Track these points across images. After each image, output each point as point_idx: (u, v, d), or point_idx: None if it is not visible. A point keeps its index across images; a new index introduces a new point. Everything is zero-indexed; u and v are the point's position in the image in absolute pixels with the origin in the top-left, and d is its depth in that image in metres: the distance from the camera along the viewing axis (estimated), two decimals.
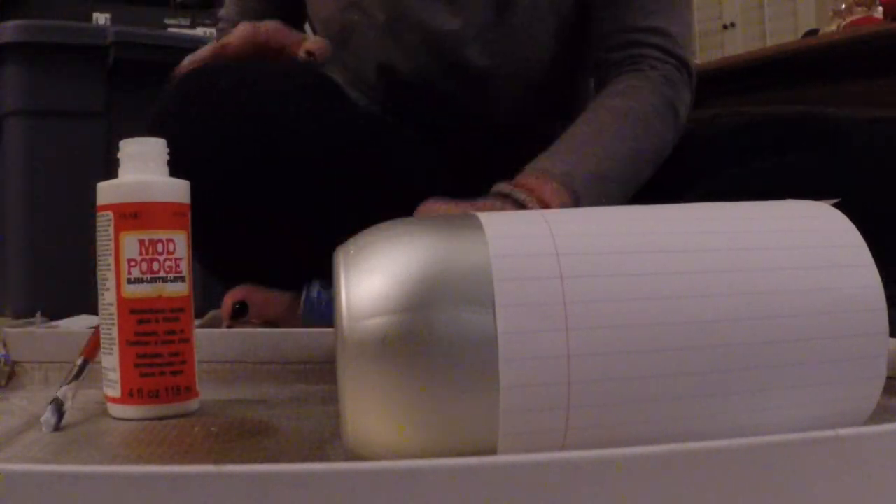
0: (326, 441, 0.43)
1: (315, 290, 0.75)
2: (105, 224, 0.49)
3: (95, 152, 1.31)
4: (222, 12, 1.01)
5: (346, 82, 0.90)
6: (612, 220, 0.36)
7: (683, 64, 0.83)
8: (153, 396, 0.48)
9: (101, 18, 1.69)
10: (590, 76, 0.93)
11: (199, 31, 1.77)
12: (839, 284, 0.35)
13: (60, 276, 1.27)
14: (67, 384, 0.48)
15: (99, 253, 0.50)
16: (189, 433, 0.45)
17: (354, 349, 0.33)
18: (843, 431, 0.27)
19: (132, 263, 0.48)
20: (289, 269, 0.78)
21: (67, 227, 1.26)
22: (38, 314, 0.79)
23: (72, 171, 1.31)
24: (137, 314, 0.48)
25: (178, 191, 0.50)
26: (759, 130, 0.83)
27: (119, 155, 0.50)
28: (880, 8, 1.93)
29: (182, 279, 0.50)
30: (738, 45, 3.32)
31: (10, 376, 0.60)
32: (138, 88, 1.35)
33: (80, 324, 0.91)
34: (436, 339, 0.32)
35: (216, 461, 0.39)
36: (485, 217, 0.36)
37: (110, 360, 0.49)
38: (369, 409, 0.33)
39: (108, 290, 0.49)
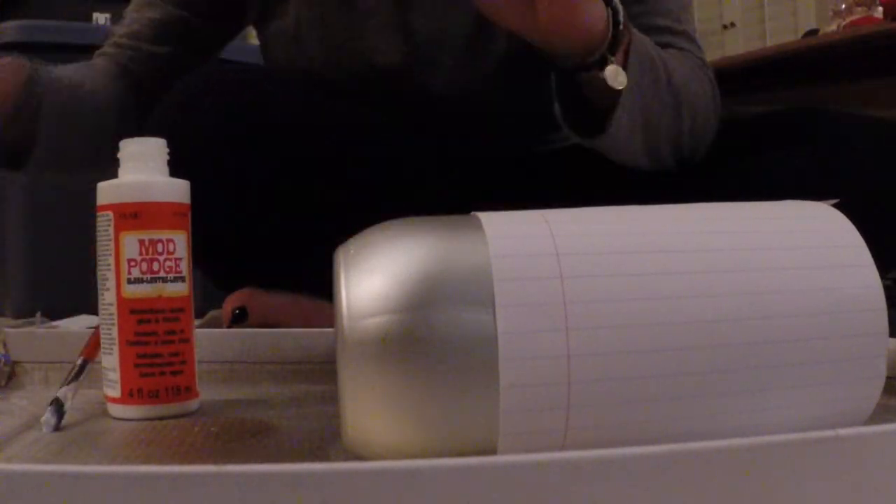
0: (326, 441, 0.43)
1: None
2: (105, 224, 0.49)
3: None
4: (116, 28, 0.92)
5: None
6: (613, 220, 0.36)
7: (706, 63, 0.81)
8: (153, 396, 0.48)
9: (101, 18, 1.69)
10: None
11: None
12: (839, 284, 0.35)
13: (60, 276, 1.27)
14: (67, 384, 0.48)
15: (99, 253, 0.50)
16: (189, 433, 0.45)
17: (354, 349, 0.33)
18: (843, 431, 0.27)
19: (132, 263, 0.48)
20: (289, 273, 0.78)
21: (67, 227, 1.26)
22: (38, 314, 0.79)
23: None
24: (137, 314, 0.48)
25: (179, 191, 0.50)
26: (756, 129, 0.83)
27: (119, 155, 0.50)
28: (880, 8, 1.93)
29: (182, 279, 0.50)
30: (738, 45, 3.31)
31: (10, 376, 0.60)
32: None
33: (80, 324, 0.91)
34: (436, 339, 0.32)
35: (216, 461, 0.39)
36: (485, 217, 0.36)
37: (110, 360, 0.49)
38: (369, 409, 0.33)
39: (108, 290, 0.49)
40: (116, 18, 1.66)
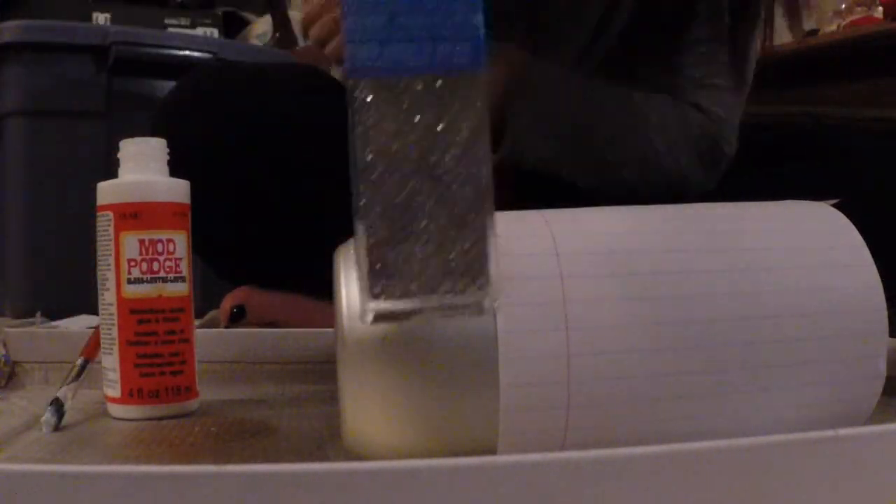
0: (326, 441, 0.43)
1: None
2: (105, 224, 0.49)
3: (95, 152, 1.31)
4: None
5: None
6: (613, 220, 0.36)
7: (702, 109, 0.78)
8: (153, 396, 0.48)
9: (101, 18, 1.69)
10: None
11: (199, 31, 1.77)
12: (839, 284, 0.35)
13: (60, 276, 1.27)
14: (67, 384, 0.48)
15: (99, 253, 0.50)
16: (189, 433, 0.45)
17: (354, 349, 0.33)
18: (843, 431, 0.27)
19: (132, 263, 0.48)
20: (288, 271, 0.78)
21: (67, 227, 1.26)
22: (38, 314, 0.79)
23: (72, 171, 1.31)
24: (137, 314, 0.48)
25: (179, 191, 0.50)
26: (759, 135, 0.83)
27: (119, 155, 0.50)
28: (880, 8, 1.92)
29: (182, 279, 0.50)
30: None
31: (10, 376, 0.60)
32: (138, 88, 1.35)
33: (80, 324, 0.91)
34: (436, 339, 0.32)
35: (216, 461, 0.39)
36: None
37: (110, 360, 0.49)
38: (369, 409, 0.33)
39: (108, 290, 0.49)
40: (116, 18, 1.67)
